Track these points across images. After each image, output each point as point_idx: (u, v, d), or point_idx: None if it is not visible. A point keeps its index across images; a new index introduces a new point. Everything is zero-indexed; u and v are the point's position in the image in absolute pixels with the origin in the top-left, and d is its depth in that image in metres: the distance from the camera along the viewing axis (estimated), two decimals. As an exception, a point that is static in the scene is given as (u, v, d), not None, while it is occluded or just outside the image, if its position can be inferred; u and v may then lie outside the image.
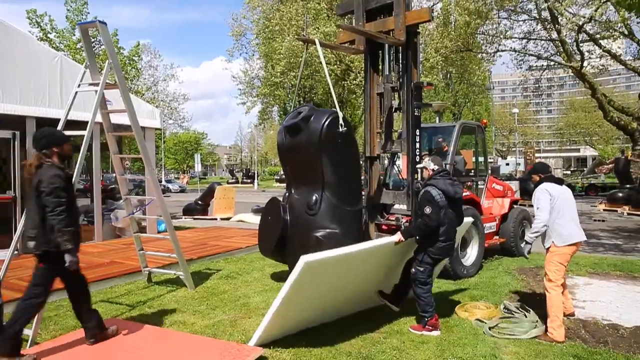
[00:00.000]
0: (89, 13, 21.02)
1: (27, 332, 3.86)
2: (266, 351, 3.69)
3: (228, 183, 45.44)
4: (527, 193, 18.16)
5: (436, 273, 5.12)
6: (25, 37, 8.37)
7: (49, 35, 20.24)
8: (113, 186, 11.92)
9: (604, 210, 16.61)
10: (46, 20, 20.10)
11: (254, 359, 3.47)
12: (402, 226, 6.51)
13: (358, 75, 19.77)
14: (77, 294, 3.74)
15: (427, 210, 4.13)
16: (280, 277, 6.27)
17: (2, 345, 3.31)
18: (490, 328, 4.16)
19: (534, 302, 4.99)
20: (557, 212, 4.17)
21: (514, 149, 56.52)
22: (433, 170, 4.41)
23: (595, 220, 13.83)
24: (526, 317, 4.40)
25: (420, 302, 4.25)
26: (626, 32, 17.60)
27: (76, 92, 4.80)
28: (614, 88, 60.03)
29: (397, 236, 4.27)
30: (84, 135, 4.63)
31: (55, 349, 3.68)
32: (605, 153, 49.27)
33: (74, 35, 20.74)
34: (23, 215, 3.78)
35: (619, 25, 16.48)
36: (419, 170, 4.62)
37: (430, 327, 4.15)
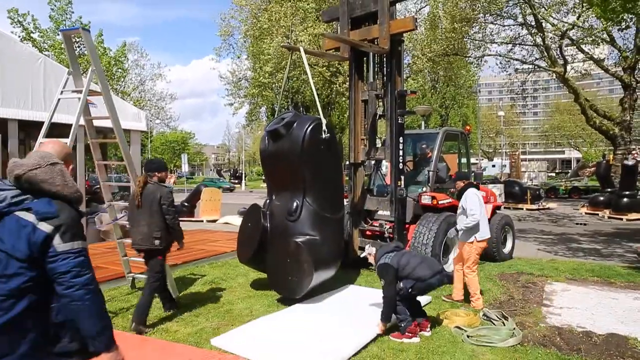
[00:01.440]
0: (73, 12, 20.77)
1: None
2: (247, 360, 3.72)
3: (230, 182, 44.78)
4: (511, 196, 18.45)
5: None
6: (7, 38, 8.29)
7: (32, 35, 19.93)
8: (98, 187, 11.82)
9: (585, 213, 16.92)
10: (29, 19, 19.81)
11: (235, 368, 3.50)
12: (386, 232, 6.61)
13: (347, 78, 19.89)
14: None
15: (382, 282, 4.35)
16: (264, 284, 6.28)
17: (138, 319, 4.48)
18: (469, 336, 4.24)
19: (513, 310, 5.10)
20: (480, 213, 5.23)
21: (500, 150, 57.22)
22: (375, 254, 4.62)
23: (577, 224, 14.08)
24: (504, 324, 4.49)
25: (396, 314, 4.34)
26: (608, 39, 17.97)
27: (59, 99, 4.78)
28: (597, 91, 61.12)
29: (379, 327, 4.28)
30: (65, 142, 4.62)
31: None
32: (590, 155, 50.13)
33: (58, 35, 20.49)
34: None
35: (601, 32, 16.83)
36: (365, 255, 4.85)
37: (410, 334, 4.23)
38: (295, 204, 5.43)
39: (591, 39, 17.52)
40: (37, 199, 1.82)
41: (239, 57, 25.86)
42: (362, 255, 5.00)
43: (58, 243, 1.79)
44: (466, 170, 8.03)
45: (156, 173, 4.78)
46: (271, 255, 5.49)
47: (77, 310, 1.82)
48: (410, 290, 4.28)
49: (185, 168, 31.47)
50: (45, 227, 1.78)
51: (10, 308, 1.72)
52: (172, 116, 37.51)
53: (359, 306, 5.13)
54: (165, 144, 57.46)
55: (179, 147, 57.61)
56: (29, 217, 1.78)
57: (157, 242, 4.58)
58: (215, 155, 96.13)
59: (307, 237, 5.30)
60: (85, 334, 1.86)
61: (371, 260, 4.71)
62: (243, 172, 48.85)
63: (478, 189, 5.68)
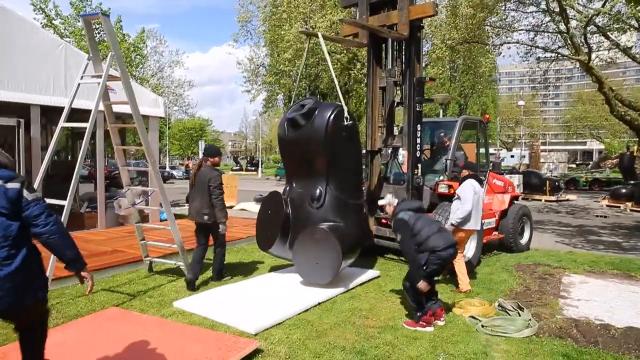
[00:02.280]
0: (93, -1, 20.96)
1: None
2: (262, 344, 3.77)
3: (232, 170, 45.58)
4: (529, 187, 18.17)
5: None
6: (30, 24, 8.39)
7: (53, 21, 20.17)
8: (118, 172, 12.00)
9: (606, 205, 16.58)
10: (50, 6, 20.03)
11: (249, 351, 3.55)
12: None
13: (364, 65, 19.68)
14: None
15: (398, 237, 4.35)
16: (279, 269, 6.35)
17: (216, 277, 5.71)
18: (483, 326, 4.22)
19: (529, 301, 5.05)
20: (475, 204, 5.44)
21: (520, 141, 56.19)
22: (395, 205, 4.58)
23: (596, 216, 13.81)
24: (520, 315, 4.46)
25: (412, 295, 4.31)
26: (636, 26, 17.35)
27: (79, 84, 4.84)
28: (623, 81, 59.34)
29: (423, 285, 4.17)
30: (85, 127, 4.69)
31: (58, 338, 3.77)
32: (612, 147, 48.88)
33: (79, 21, 20.67)
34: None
35: (630, 18, 16.26)
36: (382, 206, 4.79)
37: (424, 323, 4.22)
38: (318, 191, 5.46)
39: (618, 25, 16.93)
40: None
41: (256, 45, 25.81)
42: (380, 203, 4.99)
43: (27, 194, 2.39)
44: (484, 161, 7.93)
45: (209, 158, 5.59)
46: (296, 242, 5.50)
47: (55, 243, 2.47)
48: (425, 267, 4.21)
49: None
50: (13, 185, 2.36)
51: (15, 254, 2.32)
52: (190, 103, 37.72)
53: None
54: (183, 131, 57.97)
55: (196, 134, 58.07)
56: None
57: (205, 217, 5.39)
58: (233, 142, 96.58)
59: (333, 223, 5.34)
60: (65, 260, 2.56)
61: (388, 210, 4.67)
62: (260, 160, 49.00)
63: (480, 181, 5.88)
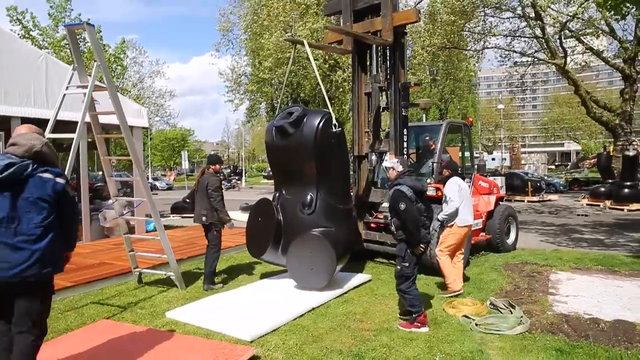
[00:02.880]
0: (72, 10, 20.73)
1: (19, 336, 3.87)
2: (258, 350, 3.75)
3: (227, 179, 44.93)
4: (512, 188, 18.48)
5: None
6: (9, 35, 8.27)
7: (31, 32, 19.87)
8: (100, 184, 11.83)
9: (586, 204, 16.97)
10: (28, 17, 19.76)
11: (247, 358, 3.53)
12: (390, 224, 6.64)
13: (346, 70, 19.79)
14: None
15: (402, 206, 4.27)
16: (270, 275, 6.33)
17: (207, 281, 5.81)
18: (477, 324, 4.27)
19: (520, 298, 5.13)
20: (462, 200, 5.44)
21: (500, 144, 57.19)
22: (399, 171, 4.56)
23: (578, 215, 14.12)
24: (512, 313, 4.53)
25: (407, 296, 4.35)
26: (608, 30, 17.94)
27: (64, 95, 4.78)
28: (596, 84, 60.96)
29: (417, 249, 4.34)
30: (72, 138, 4.63)
31: (48, 353, 3.69)
32: (589, 148, 50.13)
33: (57, 32, 20.41)
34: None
35: (601, 23, 16.81)
36: (386, 169, 4.75)
37: (419, 324, 4.25)
38: (309, 197, 5.50)
39: (591, 30, 17.49)
40: (47, 165, 2.83)
41: (238, 54, 25.78)
42: (384, 165, 4.94)
43: (68, 190, 2.90)
44: (469, 163, 8.06)
45: (211, 166, 6.03)
46: (290, 248, 5.50)
47: (68, 230, 2.98)
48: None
49: (185, 165, 31.48)
50: (61, 180, 2.86)
51: (46, 235, 2.76)
52: (172, 113, 37.44)
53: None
54: (164, 141, 57.37)
55: (178, 144, 57.53)
56: (49, 176, 2.81)
57: (203, 218, 5.80)
58: (215, 152, 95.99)
59: (325, 228, 5.38)
60: (68, 242, 3.02)
61: (390, 175, 4.64)
62: (243, 169, 48.75)
63: (463, 178, 6.00)
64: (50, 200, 2.78)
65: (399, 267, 4.44)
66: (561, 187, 23.95)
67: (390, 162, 4.68)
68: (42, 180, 2.77)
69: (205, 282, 5.81)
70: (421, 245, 4.35)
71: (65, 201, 2.86)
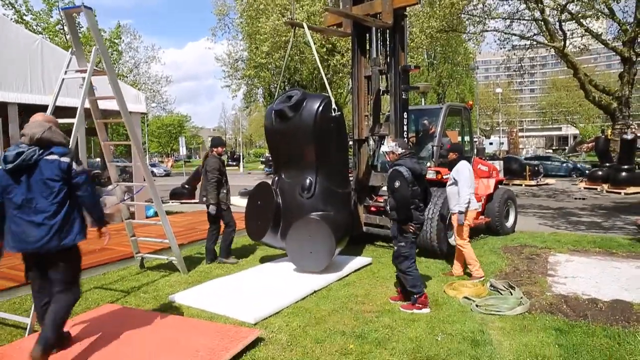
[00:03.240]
0: (66, -7, 20.34)
1: (25, 320, 3.92)
2: (262, 332, 3.80)
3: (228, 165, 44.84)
4: (510, 172, 18.53)
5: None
6: (3, 20, 8.14)
7: (24, 17, 19.58)
8: (97, 171, 11.80)
9: (584, 188, 17.04)
10: (20, 1, 19.44)
11: (251, 340, 3.57)
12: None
13: (345, 54, 19.63)
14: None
15: (397, 184, 4.28)
16: (270, 259, 6.37)
17: (222, 254, 6.33)
18: (477, 305, 4.33)
19: (519, 280, 5.19)
20: (471, 185, 5.37)
21: (498, 128, 57.13)
22: (399, 153, 4.52)
23: (576, 199, 14.19)
24: (512, 294, 4.58)
25: (407, 277, 4.38)
26: (607, 12, 17.79)
27: (63, 79, 4.73)
28: (595, 67, 60.73)
29: (407, 227, 4.35)
30: (72, 123, 4.60)
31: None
32: (587, 131, 50.14)
33: (52, 17, 20.13)
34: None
35: (601, 5, 16.66)
36: (385, 153, 4.72)
37: (420, 305, 4.31)
38: (308, 181, 5.51)
39: (591, 12, 17.34)
40: (51, 147, 3.14)
41: (235, 38, 25.53)
42: (383, 149, 4.92)
43: (75, 167, 3.19)
44: (469, 147, 8.07)
45: (214, 148, 6.25)
46: (289, 232, 5.53)
47: (88, 204, 3.28)
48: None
49: (183, 151, 31.38)
50: (66, 159, 3.15)
51: (61, 209, 3.13)
52: (168, 99, 37.15)
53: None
54: (161, 128, 57.05)
55: (175, 130, 57.23)
56: (54, 157, 3.13)
57: (204, 199, 6.11)
58: (212, 138, 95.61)
59: (323, 212, 5.40)
60: (94, 217, 3.36)
61: (390, 159, 4.60)
62: (241, 154, 48.61)
63: (470, 162, 5.91)
64: (58, 178, 3.11)
65: (395, 248, 4.49)
66: (586, 172, 24.23)
67: (389, 146, 4.64)
68: (47, 162, 3.11)
69: (220, 255, 6.32)
70: (411, 224, 4.32)
71: (75, 177, 3.17)
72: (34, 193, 3.08)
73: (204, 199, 6.11)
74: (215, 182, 6.01)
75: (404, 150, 4.55)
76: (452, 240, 6.21)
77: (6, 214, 3.13)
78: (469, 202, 5.29)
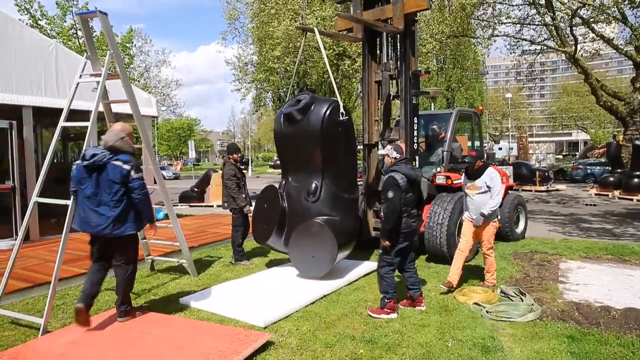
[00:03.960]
0: (79, -1, 20.64)
1: (39, 320, 3.96)
2: (273, 336, 3.81)
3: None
4: (519, 178, 18.39)
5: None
6: (19, 24, 8.28)
7: (39, 22, 19.89)
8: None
9: (595, 194, 16.87)
10: (35, 6, 19.76)
11: (262, 343, 3.58)
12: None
13: (356, 60, 19.63)
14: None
15: (390, 194, 4.27)
16: (280, 262, 6.39)
17: (235, 256, 6.60)
18: (488, 312, 4.31)
19: (530, 286, 5.15)
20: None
21: (507, 133, 56.75)
22: (395, 158, 4.52)
23: (586, 205, 14.05)
24: (522, 300, 4.55)
25: (382, 282, 4.42)
26: (619, 17, 17.66)
27: (78, 83, 4.80)
28: (606, 72, 60.22)
29: (383, 243, 4.42)
30: (85, 126, 4.65)
31: (68, 337, 3.78)
32: (598, 137, 49.61)
33: (65, 22, 20.43)
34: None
35: (613, 9, 16.54)
36: (381, 157, 4.70)
37: (389, 310, 4.32)
38: (314, 185, 5.50)
39: (602, 17, 17.20)
40: (119, 154, 3.89)
41: (245, 42, 25.69)
42: (379, 152, 4.91)
43: (133, 174, 3.88)
44: (479, 151, 8.03)
45: (230, 155, 6.58)
46: (292, 236, 5.55)
47: (140, 206, 3.98)
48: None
49: (192, 154, 31.57)
50: (127, 166, 3.87)
51: (119, 205, 3.86)
52: (178, 103, 37.42)
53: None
54: (171, 131, 57.49)
55: (184, 134, 57.63)
56: (119, 163, 3.86)
57: (225, 204, 6.55)
58: (221, 141, 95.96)
59: (328, 217, 5.39)
60: (144, 215, 4.09)
61: (386, 162, 4.60)
62: (250, 158, 48.79)
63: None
64: (118, 181, 3.83)
65: (381, 252, 4.52)
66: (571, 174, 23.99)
67: (386, 149, 4.66)
68: (113, 166, 3.85)
69: (233, 256, 6.61)
70: (386, 241, 4.34)
71: (131, 182, 3.87)
72: (100, 188, 3.84)
73: (225, 204, 6.53)
74: (236, 187, 6.36)
75: (399, 155, 4.54)
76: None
77: (78, 200, 3.95)
78: (494, 210, 5.13)
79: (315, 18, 17.77)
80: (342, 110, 5.59)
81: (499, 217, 5.30)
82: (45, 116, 9.91)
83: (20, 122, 7.67)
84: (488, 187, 5.10)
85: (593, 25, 18.46)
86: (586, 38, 19.54)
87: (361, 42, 7.13)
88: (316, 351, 3.58)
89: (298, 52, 6.76)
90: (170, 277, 5.83)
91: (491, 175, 5.13)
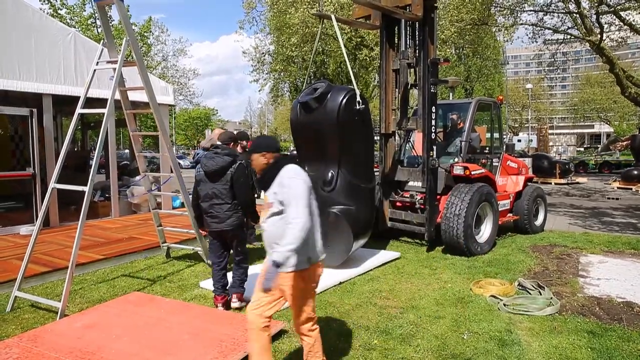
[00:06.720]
0: (98, -13, 20.74)
1: (57, 304, 4.02)
2: (286, 324, 3.80)
3: None
4: (539, 170, 18.04)
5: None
6: (39, 14, 8.35)
7: (59, 11, 20.12)
8: (126, 162, 12.03)
9: (618, 188, 16.46)
10: (56, -5, 19.99)
11: (276, 331, 3.57)
12: (417, 203, 6.60)
13: (374, 49, 19.39)
14: None
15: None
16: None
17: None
18: (505, 305, 4.23)
19: (549, 280, 5.05)
20: None
21: (527, 125, 55.72)
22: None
23: (609, 199, 13.72)
24: (541, 294, 4.45)
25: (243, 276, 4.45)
26: (648, 4, 17.01)
27: (94, 70, 4.82)
28: (632, 62, 58.43)
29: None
30: (102, 113, 4.68)
31: (85, 321, 3.83)
32: (621, 129, 48.36)
33: (84, 11, 20.61)
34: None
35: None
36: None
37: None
38: (330, 174, 5.44)
39: (632, 3, 16.60)
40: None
41: (262, 31, 25.56)
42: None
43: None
44: (499, 142, 7.88)
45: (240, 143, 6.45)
46: None
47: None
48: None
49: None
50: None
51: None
52: (195, 92, 37.61)
53: None
54: (188, 121, 57.92)
55: (202, 123, 58.01)
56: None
57: None
58: (237, 131, 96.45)
59: (344, 206, 5.34)
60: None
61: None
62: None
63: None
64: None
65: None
66: (592, 166, 23.35)
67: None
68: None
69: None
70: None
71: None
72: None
73: None
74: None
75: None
76: (479, 238, 6.06)
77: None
78: None
79: (333, 5, 17.55)
80: (358, 98, 5.51)
81: (313, 259, 2.88)
82: (65, 104, 10.05)
83: (41, 110, 7.78)
84: (281, 202, 2.82)
85: (620, 12, 17.84)
86: (612, 26, 18.91)
87: (379, 30, 7.01)
88: (330, 340, 3.55)
89: (318, 38, 6.64)
90: (185, 264, 5.87)
91: (283, 182, 2.86)
